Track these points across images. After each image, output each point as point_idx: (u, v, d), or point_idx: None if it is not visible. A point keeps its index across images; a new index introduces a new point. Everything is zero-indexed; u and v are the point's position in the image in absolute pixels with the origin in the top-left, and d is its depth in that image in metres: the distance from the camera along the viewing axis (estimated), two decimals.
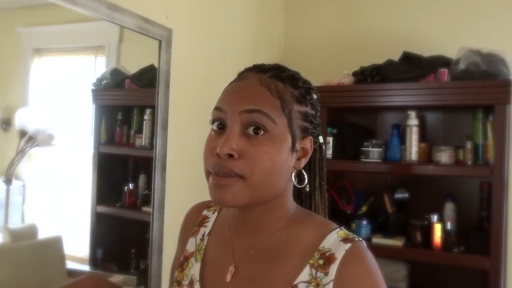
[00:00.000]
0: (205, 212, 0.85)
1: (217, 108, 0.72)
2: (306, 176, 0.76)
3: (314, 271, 0.67)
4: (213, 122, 0.72)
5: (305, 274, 0.68)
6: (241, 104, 0.68)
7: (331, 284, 0.65)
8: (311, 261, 0.68)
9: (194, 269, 0.78)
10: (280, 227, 0.73)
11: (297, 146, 0.72)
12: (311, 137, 0.75)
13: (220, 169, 0.67)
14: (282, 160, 0.69)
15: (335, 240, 0.69)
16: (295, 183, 0.75)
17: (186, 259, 0.81)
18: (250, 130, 0.67)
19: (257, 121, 0.67)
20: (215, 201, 0.70)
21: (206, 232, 0.82)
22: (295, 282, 0.67)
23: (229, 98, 0.72)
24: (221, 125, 0.70)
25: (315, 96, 0.76)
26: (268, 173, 0.67)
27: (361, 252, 0.68)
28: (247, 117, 0.68)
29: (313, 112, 0.75)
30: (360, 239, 0.70)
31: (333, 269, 0.66)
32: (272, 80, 0.71)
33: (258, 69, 0.74)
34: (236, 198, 0.67)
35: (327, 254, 0.68)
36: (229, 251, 0.76)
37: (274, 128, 0.68)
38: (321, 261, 0.67)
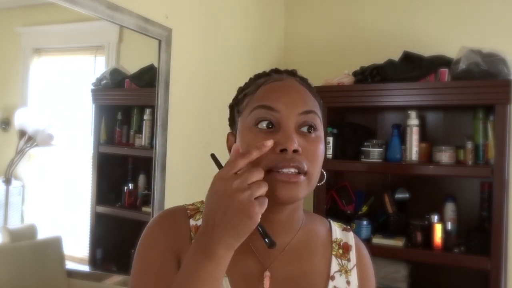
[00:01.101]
0: (193, 222, 0.74)
1: (267, 107, 0.70)
2: (325, 174, 0.78)
3: (339, 260, 0.77)
4: (258, 121, 0.70)
5: (335, 264, 0.77)
6: (299, 106, 0.71)
7: (355, 267, 0.77)
8: (334, 252, 0.78)
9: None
10: (301, 225, 0.77)
11: None
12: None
13: (289, 163, 0.66)
14: (323, 156, 0.74)
15: (339, 230, 0.81)
16: None
17: None
18: (304, 129, 0.70)
19: (312, 121, 0.71)
20: (282, 197, 0.67)
21: None
22: (332, 274, 0.75)
23: (283, 99, 0.71)
24: (270, 124, 0.70)
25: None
26: (319, 168, 0.72)
27: (358, 238, 0.82)
28: (303, 117, 0.70)
29: None
30: (350, 226, 0.82)
31: (353, 255, 0.78)
32: (304, 83, 0.77)
33: (287, 73, 0.78)
34: (301, 194, 0.69)
35: (341, 244, 0.79)
36: (254, 257, 0.72)
37: (320, 127, 0.73)
38: (340, 251, 0.78)
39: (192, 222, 0.75)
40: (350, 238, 0.80)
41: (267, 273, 0.71)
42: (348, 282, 0.75)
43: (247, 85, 0.78)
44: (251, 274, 0.72)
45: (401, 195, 2.17)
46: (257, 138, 0.68)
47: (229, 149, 0.76)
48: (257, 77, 0.78)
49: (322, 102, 0.79)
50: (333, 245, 0.78)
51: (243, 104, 0.75)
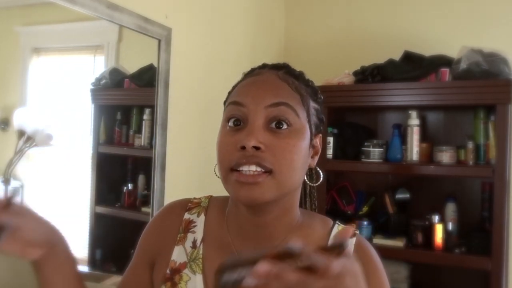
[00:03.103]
0: (187, 216, 0.76)
1: (235, 103, 0.68)
2: (321, 174, 0.76)
3: None
4: (228, 119, 0.69)
5: None
6: (266, 98, 0.67)
7: None
8: None
9: (194, 283, 0.70)
10: (292, 229, 0.72)
11: (313, 142, 0.73)
12: (321, 135, 0.76)
13: (248, 161, 0.63)
14: (304, 155, 0.69)
15: None
16: (308, 181, 0.76)
17: (177, 271, 0.71)
18: (273, 125, 0.66)
19: (283, 115, 0.66)
20: (242, 199, 0.66)
21: (199, 239, 0.73)
22: None
23: (251, 92, 0.68)
24: (238, 122, 0.67)
25: (321, 97, 0.78)
26: (294, 168, 0.66)
27: (366, 243, 0.74)
28: (273, 111, 0.66)
29: (321, 110, 0.76)
30: (358, 231, 0.75)
31: None
32: (287, 76, 0.72)
33: (270, 67, 0.75)
34: (265, 195, 0.65)
35: None
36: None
37: (297, 122, 0.68)
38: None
39: (186, 215, 0.77)
40: (350, 243, 0.73)
41: None
42: None
43: (237, 82, 0.78)
44: None
45: (401, 195, 2.16)
46: (225, 137, 0.68)
47: None
48: (245, 74, 0.77)
49: (316, 96, 0.75)
50: None
51: (227, 101, 0.75)
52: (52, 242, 0.68)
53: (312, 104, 0.73)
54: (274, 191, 0.65)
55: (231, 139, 0.67)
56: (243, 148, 0.64)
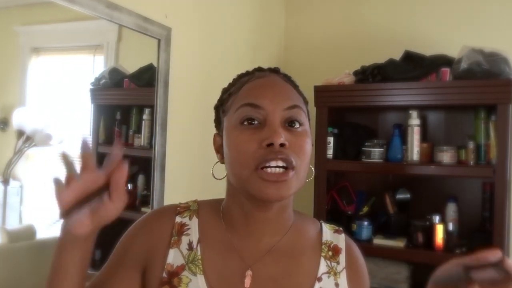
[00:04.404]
0: (178, 219, 0.76)
1: (251, 105, 0.70)
2: (313, 170, 0.78)
3: (328, 262, 0.76)
4: (242, 120, 0.69)
5: (323, 266, 0.75)
6: (283, 101, 0.70)
7: (344, 270, 0.76)
8: (323, 254, 0.76)
9: (196, 284, 0.70)
10: (290, 225, 0.76)
11: None
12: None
13: (276, 156, 0.65)
14: (310, 151, 0.73)
15: (329, 232, 0.80)
16: None
17: (175, 274, 0.71)
18: (287, 124, 0.70)
19: (297, 116, 0.71)
20: (270, 197, 0.66)
21: (194, 241, 0.73)
22: (319, 275, 0.74)
23: (267, 95, 0.70)
24: (252, 121, 0.69)
25: None
26: (308, 164, 0.71)
27: (351, 240, 0.82)
28: (289, 113, 0.70)
29: None
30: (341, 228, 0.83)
31: (342, 258, 0.77)
32: (288, 80, 0.77)
33: (270, 70, 0.78)
34: (291, 191, 0.68)
35: (331, 246, 0.78)
36: (235, 256, 0.72)
37: (306, 122, 0.73)
38: (330, 253, 0.77)
39: (178, 219, 0.76)
40: (341, 240, 0.79)
41: (249, 272, 0.70)
42: (336, 284, 0.74)
43: (231, 85, 0.79)
44: (231, 273, 0.71)
45: (402, 196, 2.16)
46: (242, 135, 0.68)
47: (217, 151, 0.77)
48: (240, 76, 0.79)
49: (307, 100, 0.80)
50: (323, 247, 0.77)
51: (228, 103, 0.75)
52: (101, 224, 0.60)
53: (307, 108, 0.78)
54: (296, 187, 0.68)
55: (252, 136, 0.67)
56: (270, 145, 0.66)
